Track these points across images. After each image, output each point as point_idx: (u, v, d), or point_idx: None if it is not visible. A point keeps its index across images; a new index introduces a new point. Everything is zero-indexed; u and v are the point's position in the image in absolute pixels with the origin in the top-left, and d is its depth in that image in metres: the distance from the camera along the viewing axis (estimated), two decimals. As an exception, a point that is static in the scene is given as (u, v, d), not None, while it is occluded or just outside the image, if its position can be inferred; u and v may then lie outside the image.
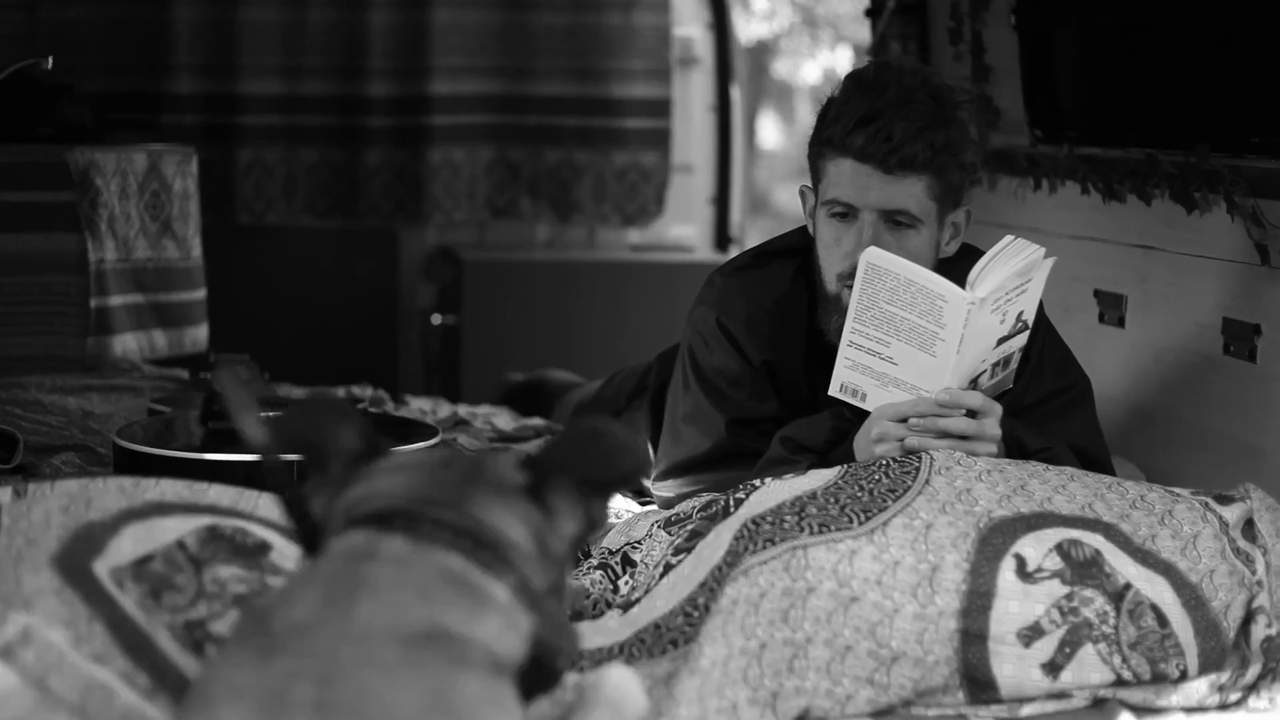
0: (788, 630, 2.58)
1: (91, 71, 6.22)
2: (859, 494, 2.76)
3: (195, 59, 6.56)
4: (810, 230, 3.25)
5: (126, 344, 5.11)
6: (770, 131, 15.84)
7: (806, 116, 16.42)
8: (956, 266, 3.10)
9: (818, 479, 2.84)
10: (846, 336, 3.06)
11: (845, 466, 2.88)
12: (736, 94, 7.09)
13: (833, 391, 3.12)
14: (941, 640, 2.59)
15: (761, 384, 3.31)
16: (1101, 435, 3.33)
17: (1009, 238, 2.98)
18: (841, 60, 14.83)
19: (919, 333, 2.96)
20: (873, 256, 2.98)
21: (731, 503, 2.86)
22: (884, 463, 2.87)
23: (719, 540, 2.71)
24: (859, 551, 2.64)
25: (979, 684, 2.59)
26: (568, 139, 6.80)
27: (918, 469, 2.83)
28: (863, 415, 3.13)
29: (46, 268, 4.99)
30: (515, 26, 6.74)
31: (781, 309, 3.33)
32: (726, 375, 3.33)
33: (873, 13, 5.31)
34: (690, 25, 7.02)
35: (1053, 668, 2.60)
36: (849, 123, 3.05)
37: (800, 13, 14.70)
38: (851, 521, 2.69)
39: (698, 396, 3.36)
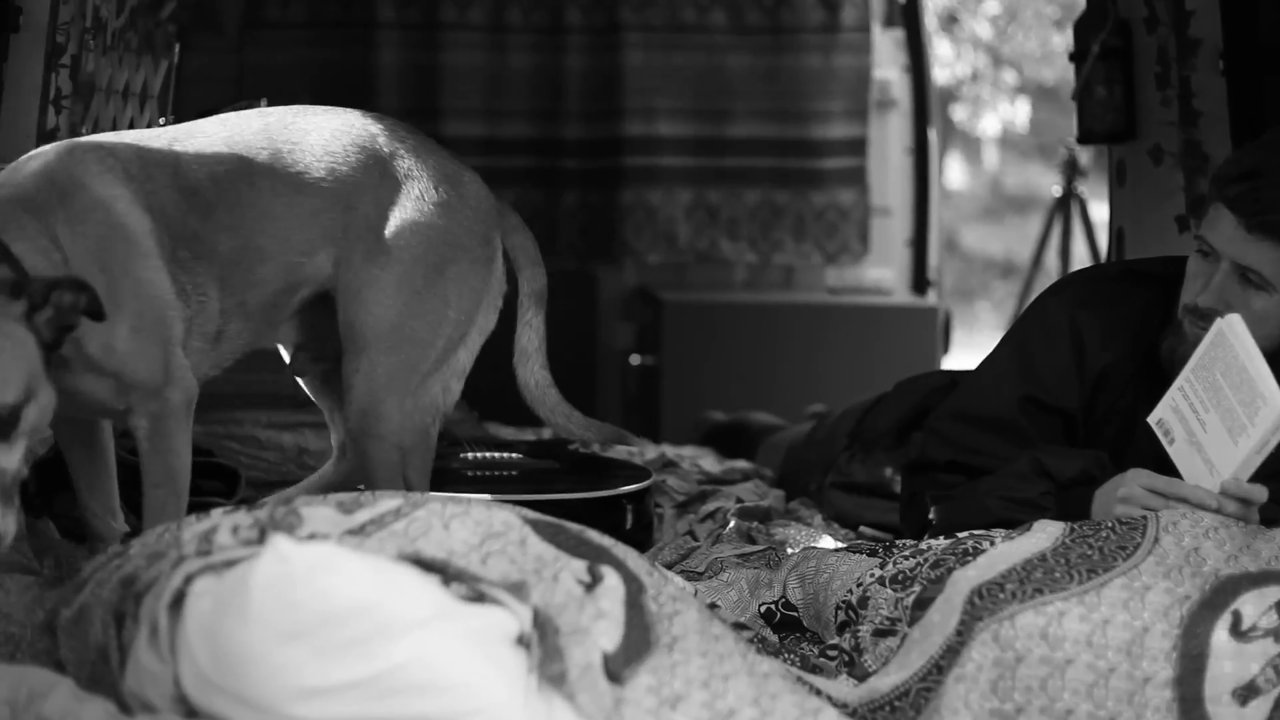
0: (995, 701, 2.60)
1: (302, 113, 6.35)
2: (1089, 553, 2.76)
3: (400, 102, 6.69)
4: None
5: (337, 381, 5.20)
6: (956, 173, 15.79)
7: (993, 160, 16.35)
8: None
9: (1045, 538, 2.83)
10: (1180, 381, 3.05)
11: (1071, 525, 2.87)
12: (933, 136, 7.08)
13: (1150, 419, 3.12)
14: (1157, 708, 2.58)
15: (1071, 385, 3.35)
16: None
17: None
18: (1021, 114, 14.73)
19: (1233, 416, 2.94)
20: (1227, 326, 2.97)
21: (958, 566, 2.85)
22: (1109, 523, 2.86)
23: (948, 612, 2.73)
24: (1067, 613, 2.64)
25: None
26: (765, 180, 6.83)
27: (1145, 526, 2.82)
28: (1120, 468, 3.13)
29: (259, 305, 5.09)
30: (713, 69, 6.80)
31: (1135, 327, 3.35)
32: (1045, 362, 3.36)
33: (1077, 57, 5.26)
34: (887, 69, 7.02)
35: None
36: (1233, 172, 3.08)
37: (988, 53, 14.62)
38: (1071, 580, 2.69)
39: (1004, 364, 3.43)
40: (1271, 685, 2.58)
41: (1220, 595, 2.66)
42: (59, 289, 2.72)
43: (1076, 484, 3.18)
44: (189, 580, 2.37)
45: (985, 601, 2.67)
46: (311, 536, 2.44)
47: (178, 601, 2.36)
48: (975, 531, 2.98)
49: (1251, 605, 2.64)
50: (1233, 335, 2.95)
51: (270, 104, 5.50)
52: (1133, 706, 2.58)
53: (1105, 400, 3.34)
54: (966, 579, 2.75)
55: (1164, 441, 3.08)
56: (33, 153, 3.14)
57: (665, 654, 2.46)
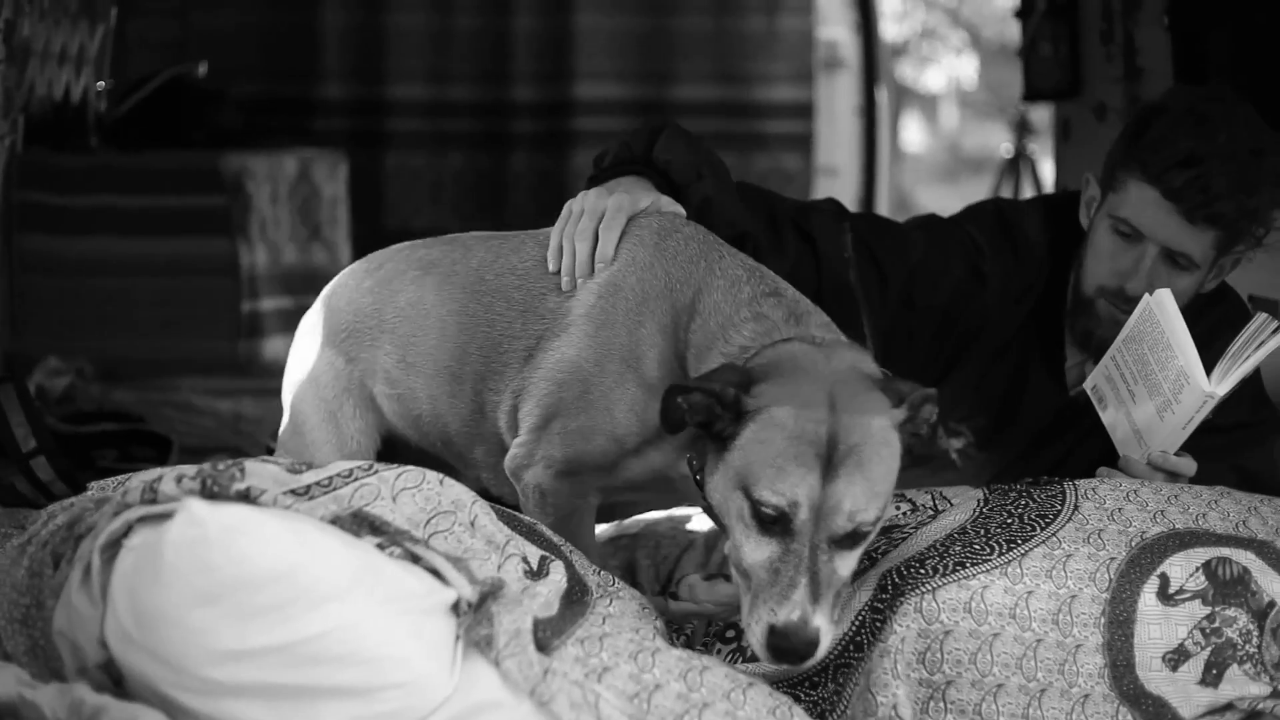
0: (924, 671, 2.58)
1: (242, 77, 6.31)
2: (1008, 520, 2.74)
3: (344, 64, 6.65)
4: (1084, 220, 3.18)
5: (277, 347, 5.18)
6: (914, 134, 15.79)
7: (951, 120, 16.34)
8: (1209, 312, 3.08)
9: (962, 514, 2.81)
10: (1112, 350, 3.01)
11: (986, 494, 2.85)
12: (883, 97, 7.07)
13: (1085, 385, 3.07)
14: (1089, 674, 2.56)
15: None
16: (1275, 468, 3.27)
17: (1266, 319, 2.91)
18: (967, 68, 14.70)
19: (1159, 392, 2.92)
20: (1156, 304, 2.91)
21: (877, 553, 2.83)
22: (1025, 489, 2.84)
23: (862, 592, 2.70)
24: (990, 585, 2.62)
25: (1148, 706, 2.55)
26: (709, 143, 6.79)
27: (1063, 492, 2.80)
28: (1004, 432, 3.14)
29: (198, 272, 5.08)
30: (658, 31, 6.76)
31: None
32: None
33: (1023, 14, 5.25)
34: (836, 27, 7.01)
35: (1206, 683, 2.56)
36: (1170, 158, 2.95)
37: (946, 15, 14.59)
38: (993, 552, 2.67)
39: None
40: (1199, 648, 2.56)
41: (1147, 556, 2.64)
42: (929, 401, 2.54)
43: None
44: (130, 528, 2.34)
45: (905, 580, 2.65)
46: (248, 491, 2.39)
47: (115, 548, 2.33)
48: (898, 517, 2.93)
49: (1179, 567, 2.61)
50: (1160, 313, 2.91)
51: (210, 68, 5.50)
52: (1064, 675, 2.56)
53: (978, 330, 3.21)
54: (888, 561, 2.73)
55: (1097, 407, 3.07)
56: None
57: (596, 625, 2.44)
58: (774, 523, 2.41)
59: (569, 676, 2.33)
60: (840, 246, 3.10)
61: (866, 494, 2.42)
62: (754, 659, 2.63)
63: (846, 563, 2.46)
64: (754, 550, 2.43)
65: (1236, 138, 2.95)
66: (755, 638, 2.41)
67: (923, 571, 2.66)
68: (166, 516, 2.31)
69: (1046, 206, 3.28)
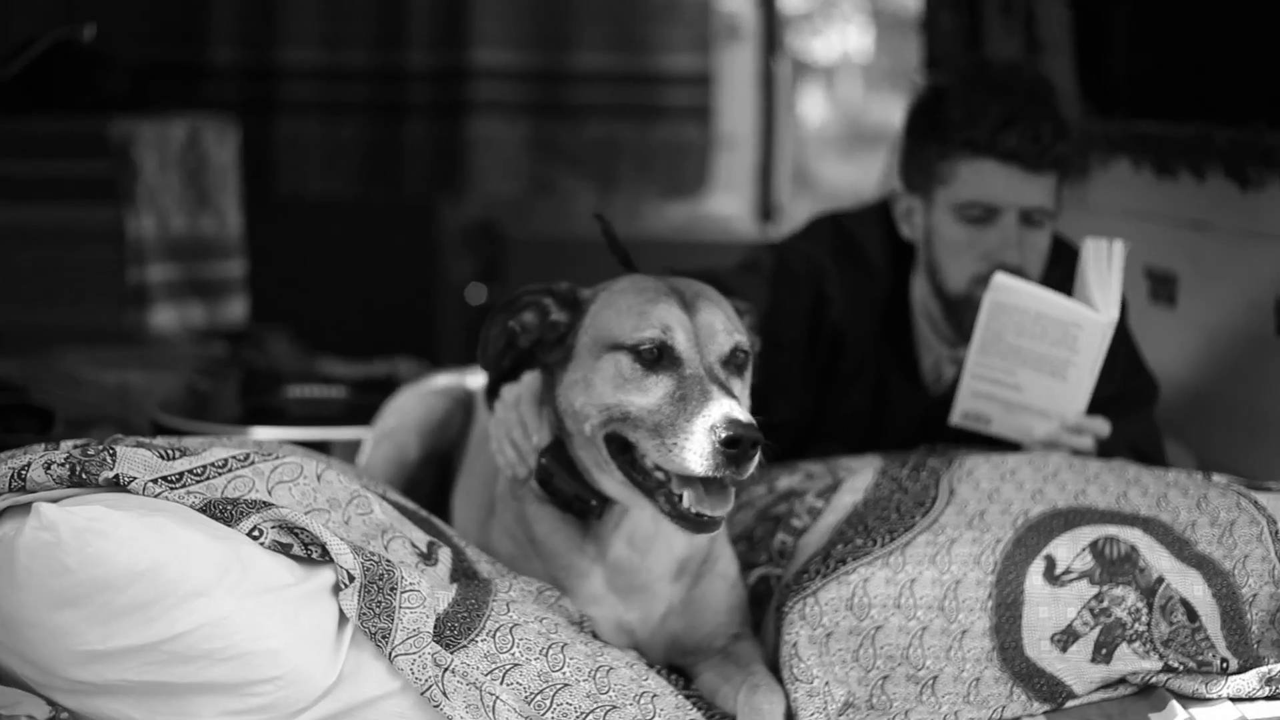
0: (835, 669, 2.57)
1: (130, 41, 6.21)
2: (886, 513, 2.74)
3: (235, 28, 6.54)
4: (909, 234, 3.21)
5: (164, 317, 5.11)
6: (813, 106, 15.80)
7: (851, 93, 16.34)
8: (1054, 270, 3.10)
9: (839, 512, 2.82)
10: (969, 369, 3.03)
11: (865, 493, 2.85)
12: (786, 68, 7.06)
13: (954, 421, 3.09)
14: (976, 659, 2.56)
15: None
16: (1160, 438, 3.30)
17: (1094, 241, 2.95)
18: (865, 40, 14.73)
19: (1049, 361, 2.94)
20: (999, 293, 2.94)
21: (782, 546, 2.85)
22: (898, 481, 2.84)
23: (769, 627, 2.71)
24: (871, 578, 2.62)
25: (1041, 684, 2.56)
26: (608, 113, 6.75)
27: (938, 480, 2.80)
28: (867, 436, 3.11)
29: (83, 240, 4.98)
30: (556, -2, 6.71)
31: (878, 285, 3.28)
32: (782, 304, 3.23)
33: (918, -15, 5.24)
34: (735, -1, 6.99)
35: (1097, 662, 2.57)
36: (994, 124, 3.02)
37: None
38: (875, 545, 2.66)
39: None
40: (1088, 628, 2.58)
41: (1033, 536, 2.65)
42: (750, 313, 2.71)
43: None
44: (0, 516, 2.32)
45: (792, 589, 2.65)
46: (118, 478, 2.37)
47: None
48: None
49: (1064, 548, 2.63)
50: (1008, 296, 2.95)
51: (98, 33, 5.39)
52: (951, 661, 2.56)
53: (846, 357, 3.28)
54: (799, 552, 2.75)
55: (981, 429, 3.09)
56: None
57: (504, 613, 2.41)
58: (658, 360, 2.44)
59: (468, 677, 2.31)
60: None
61: (730, 320, 2.50)
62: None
63: (741, 392, 2.50)
64: (646, 394, 2.43)
65: (1030, 84, 3.07)
66: (696, 451, 2.33)
67: (806, 576, 2.66)
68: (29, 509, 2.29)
69: (884, 217, 3.31)
